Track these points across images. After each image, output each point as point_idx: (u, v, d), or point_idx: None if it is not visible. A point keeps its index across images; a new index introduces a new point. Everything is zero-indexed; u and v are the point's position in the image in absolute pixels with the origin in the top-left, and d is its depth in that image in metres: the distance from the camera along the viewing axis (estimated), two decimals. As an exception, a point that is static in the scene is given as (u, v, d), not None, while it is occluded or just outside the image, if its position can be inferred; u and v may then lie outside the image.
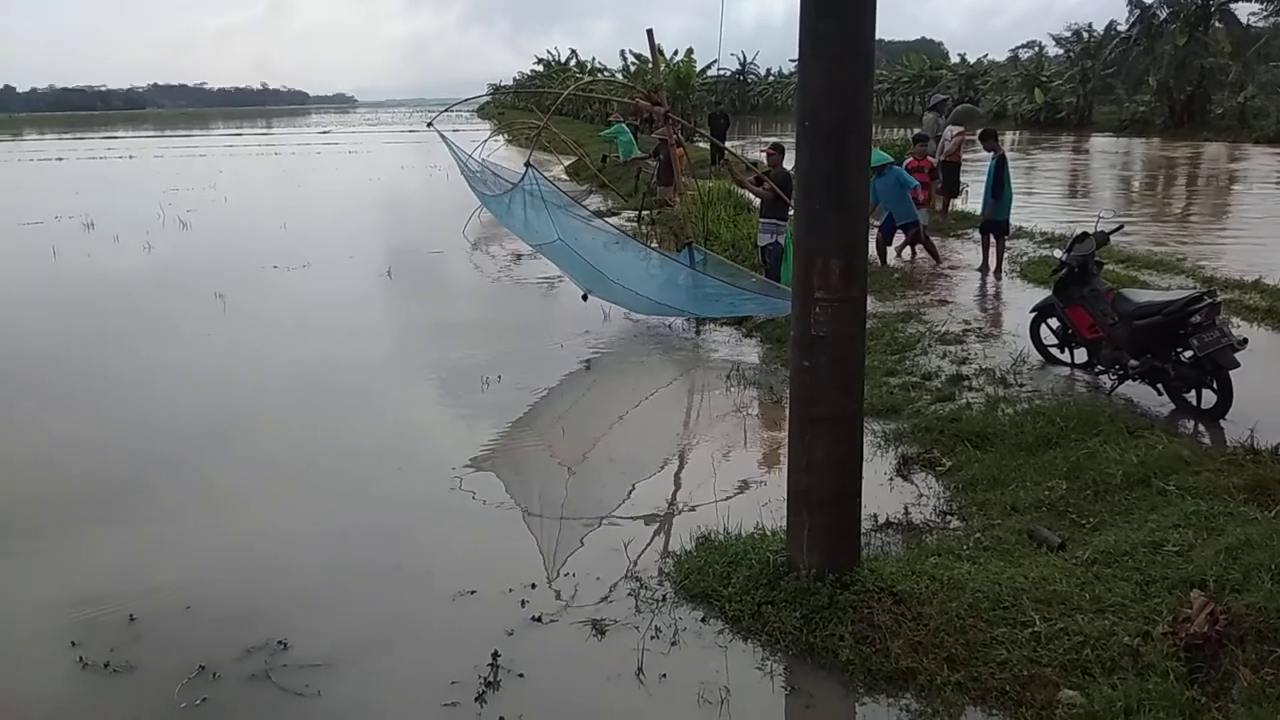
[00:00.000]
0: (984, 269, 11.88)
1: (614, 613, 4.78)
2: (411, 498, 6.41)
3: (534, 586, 5.03)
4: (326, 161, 39.91)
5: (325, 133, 71.17)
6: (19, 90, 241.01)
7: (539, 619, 4.74)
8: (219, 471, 6.93)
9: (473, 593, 5.02)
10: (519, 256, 15.22)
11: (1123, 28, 47.63)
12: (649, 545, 5.56)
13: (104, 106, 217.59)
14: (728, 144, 21.98)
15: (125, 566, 5.52)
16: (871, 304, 10.06)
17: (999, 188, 11.57)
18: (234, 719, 4.18)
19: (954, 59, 72.24)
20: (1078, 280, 7.60)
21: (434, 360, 9.82)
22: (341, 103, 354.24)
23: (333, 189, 28.95)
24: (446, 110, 12.01)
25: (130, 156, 44.68)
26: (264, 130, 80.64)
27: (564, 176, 25.84)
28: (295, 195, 26.91)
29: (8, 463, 7.10)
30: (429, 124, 11.40)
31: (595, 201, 19.61)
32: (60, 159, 44.15)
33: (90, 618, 4.89)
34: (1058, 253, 8.89)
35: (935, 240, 13.29)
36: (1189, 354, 6.73)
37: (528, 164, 9.83)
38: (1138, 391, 7.20)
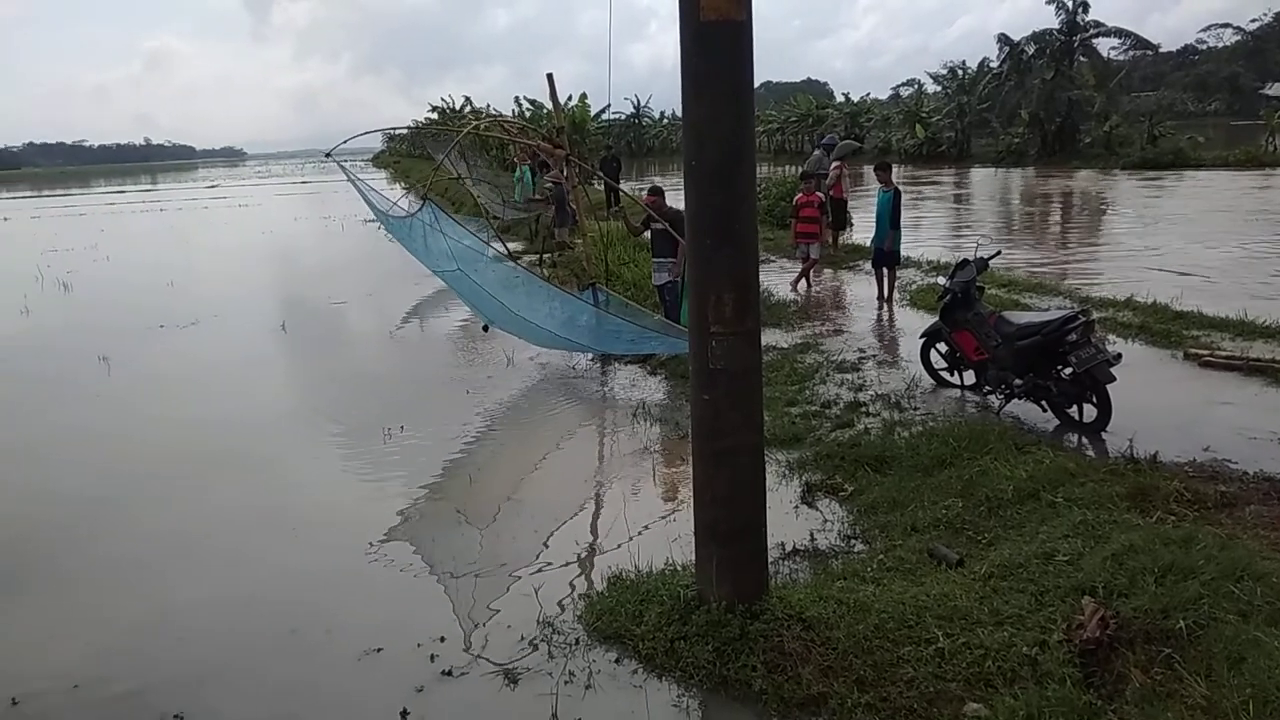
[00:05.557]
0: (880, 298, 12.25)
1: (527, 661, 4.70)
2: (310, 560, 6.19)
3: (443, 640, 4.92)
4: (215, 216, 38.87)
5: (213, 186, 69.33)
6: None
7: (449, 673, 4.63)
8: (109, 542, 6.60)
9: (379, 651, 4.87)
10: (425, 302, 15.12)
11: (994, 64, 50.38)
12: (561, 590, 5.49)
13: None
14: (622, 185, 22.26)
15: (6, 646, 5.20)
16: (771, 336, 10.30)
17: (897, 218, 12.00)
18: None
19: (839, 98, 74.77)
20: (962, 305, 7.89)
21: (332, 414, 9.57)
22: (230, 156, 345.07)
23: (222, 244, 28.23)
24: (338, 146, 11.65)
25: (4, 219, 42.65)
26: (148, 186, 77.98)
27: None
28: (182, 251, 26.11)
29: None
30: (327, 154, 11.13)
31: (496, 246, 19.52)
32: (-75, 223, 41.84)
33: (-35, 706, 4.58)
34: (942, 280, 9.21)
35: (828, 272, 13.76)
36: (1069, 371, 7.05)
37: (424, 198, 9.73)
38: (1024, 409, 7.49)
